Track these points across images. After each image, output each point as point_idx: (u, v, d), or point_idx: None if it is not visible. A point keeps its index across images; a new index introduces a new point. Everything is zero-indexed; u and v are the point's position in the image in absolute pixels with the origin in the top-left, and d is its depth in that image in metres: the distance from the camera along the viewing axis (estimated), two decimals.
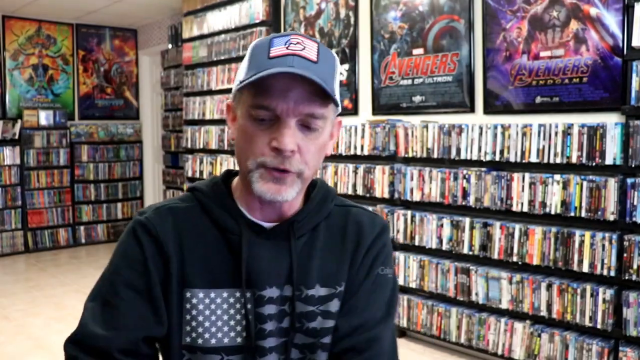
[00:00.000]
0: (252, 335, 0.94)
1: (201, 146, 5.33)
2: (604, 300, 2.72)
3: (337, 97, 0.93)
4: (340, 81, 4.20)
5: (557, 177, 2.88)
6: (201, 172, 5.28)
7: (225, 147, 5.05)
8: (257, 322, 0.95)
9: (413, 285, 3.53)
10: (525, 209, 2.99)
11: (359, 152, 3.81)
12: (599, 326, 2.74)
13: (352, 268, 1.00)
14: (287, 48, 0.88)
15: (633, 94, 2.66)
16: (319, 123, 0.90)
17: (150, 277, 0.93)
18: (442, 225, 3.37)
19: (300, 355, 0.97)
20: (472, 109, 3.42)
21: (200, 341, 0.93)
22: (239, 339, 0.94)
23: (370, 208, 3.67)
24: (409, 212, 3.53)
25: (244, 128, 0.91)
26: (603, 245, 2.72)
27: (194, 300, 0.94)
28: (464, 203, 3.26)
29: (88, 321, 0.92)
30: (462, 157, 3.27)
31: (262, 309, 0.94)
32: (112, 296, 0.93)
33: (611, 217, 2.70)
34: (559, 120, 2.96)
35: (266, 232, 0.97)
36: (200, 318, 0.94)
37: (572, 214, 2.83)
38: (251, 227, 0.97)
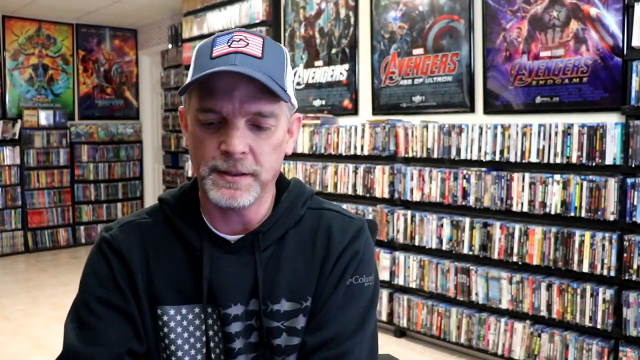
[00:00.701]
0: (220, 355, 0.93)
1: None
2: (604, 300, 2.72)
3: (290, 91, 0.89)
4: (341, 81, 4.19)
5: (557, 177, 2.88)
6: None
7: None
8: (225, 342, 0.92)
9: (413, 285, 3.53)
10: (525, 209, 2.99)
11: (359, 152, 3.81)
12: (599, 326, 2.74)
13: (321, 279, 0.94)
14: (229, 46, 0.85)
15: (633, 94, 2.66)
16: (270, 121, 0.86)
17: (122, 293, 0.91)
18: (442, 225, 3.37)
19: None
20: (472, 109, 3.42)
21: (173, 359, 0.92)
22: (213, 356, 0.93)
23: (370, 208, 3.70)
24: (409, 212, 3.53)
25: (193, 134, 0.87)
26: (603, 245, 2.72)
27: (165, 318, 0.92)
28: (464, 203, 3.26)
29: (71, 342, 0.89)
30: (462, 157, 3.27)
31: (229, 328, 0.91)
32: (89, 315, 0.90)
33: (611, 217, 2.70)
34: (559, 120, 2.96)
35: (230, 245, 0.93)
36: (173, 335, 0.92)
37: (572, 214, 2.82)
38: (215, 242, 0.93)
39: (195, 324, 0.92)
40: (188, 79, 0.87)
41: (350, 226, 0.97)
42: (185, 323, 0.92)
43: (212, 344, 0.93)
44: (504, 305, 3.09)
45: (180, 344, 0.92)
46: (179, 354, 0.92)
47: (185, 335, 0.92)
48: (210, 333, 0.93)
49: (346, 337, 0.90)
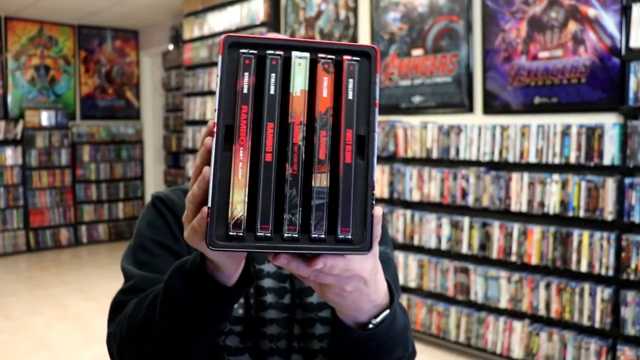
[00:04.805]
0: (252, 307, 0.98)
1: None
2: (602, 300, 2.74)
3: None
4: None
5: (556, 177, 2.89)
6: None
7: None
8: (257, 295, 0.98)
9: (412, 284, 3.55)
10: (524, 208, 3.00)
11: None
12: (597, 325, 2.76)
13: None
14: None
15: (631, 95, 2.67)
16: None
17: (176, 238, 0.99)
18: (441, 225, 3.39)
19: (301, 331, 0.99)
20: (471, 110, 3.44)
21: None
22: (240, 311, 0.98)
23: None
24: (408, 212, 3.55)
25: None
26: (601, 245, 2.74)
27: None
28: (463, 203, 3.28)
29: (133, 273, 0.94)
30: (461, 157, 3.29)
31: (262, 282, 0.98)
32: (145, 254, 0.97)
33: (609, 217, 2.72)
34: (558, 120, 2.97)
35: None
36: None
37: (571, 214, 2.84)
38: None
39: None
40: None
41: None
42: None
43: (242, 300, 0.98)
44: (503, 304, 3.11)
45: None
46: None
47: None
48: None
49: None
